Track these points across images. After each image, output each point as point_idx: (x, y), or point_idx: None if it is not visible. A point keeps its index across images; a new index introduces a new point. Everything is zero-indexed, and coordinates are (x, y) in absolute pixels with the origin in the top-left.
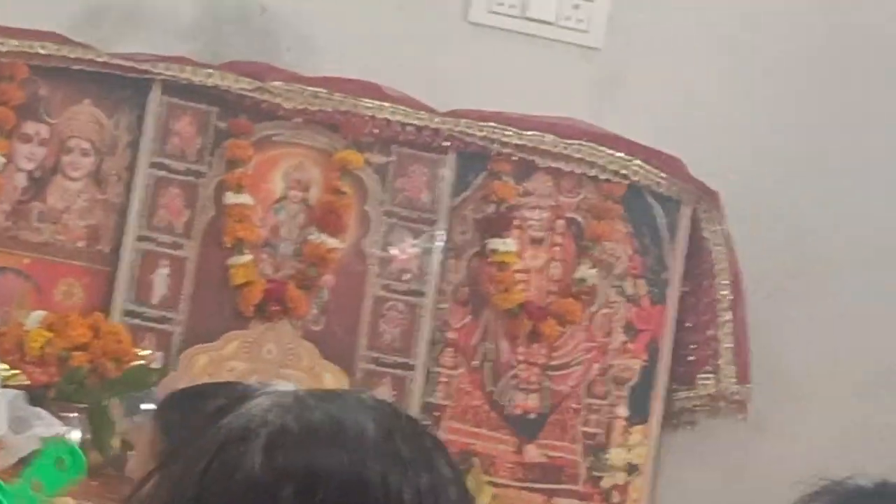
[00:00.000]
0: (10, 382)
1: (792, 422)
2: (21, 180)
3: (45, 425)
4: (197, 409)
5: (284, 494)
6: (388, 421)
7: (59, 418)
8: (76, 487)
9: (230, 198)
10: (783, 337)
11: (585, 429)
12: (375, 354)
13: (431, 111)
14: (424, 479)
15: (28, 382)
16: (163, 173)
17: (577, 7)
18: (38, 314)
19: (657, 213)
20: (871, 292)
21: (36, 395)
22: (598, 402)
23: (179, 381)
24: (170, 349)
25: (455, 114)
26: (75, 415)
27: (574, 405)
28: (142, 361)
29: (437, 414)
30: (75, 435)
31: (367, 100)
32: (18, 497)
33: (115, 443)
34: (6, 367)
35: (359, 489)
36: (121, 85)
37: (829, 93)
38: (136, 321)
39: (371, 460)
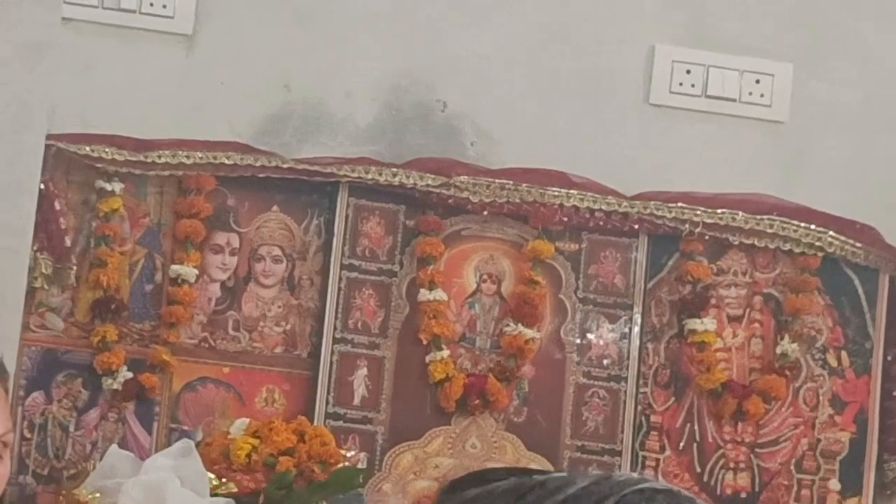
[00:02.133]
0: (220, 491)
1: None
2: (215, 291)
3: None
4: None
5: None
6: None
7: None
8: None
9: (424, 295)
10: None
11: None
12: (580, 442)
13: (619, 195)
14: None
15: (236, 490)
16: (355, 275)
17: (758, 82)
18: (243, 422)
19: (855, 283)
20: None
21: (245, 503)
22: (808, 477)
23: (386, 480)
24: (374, 449)
25: (643, 196)
26: None
27: (785, 482)
28: (347, 463)
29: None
30: None
31: (553, 188)
32: None
33: None
34: (214, 476)
35: None
36: (307, 190)
37: None
38: (339, 423)
39: None
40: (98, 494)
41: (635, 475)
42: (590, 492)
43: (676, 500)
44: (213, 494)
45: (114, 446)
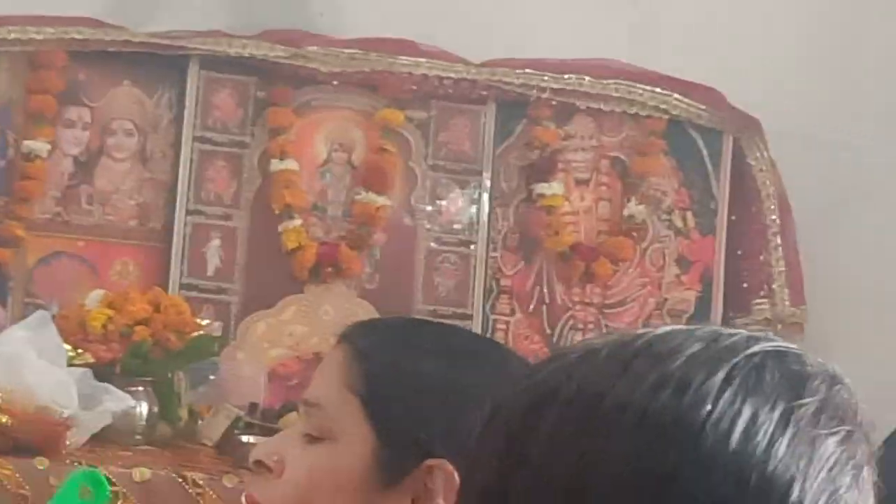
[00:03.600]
0: (76, 362)
1: (851, 339)
2: (68, 165)
3: (114, 400)
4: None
5: None
6: None
7: (127, 392)
8: (152, 456)
9: (275, 165)
10: (835, 257)
11: None
12: (432, 307)
13: (467, 63)
14: None
15: (93, 360)
16: (207, 147)
17: None
18: (98, 293)
19: (700, 144)
20: None
21: (102, 372)
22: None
23: (240, 349)
24: (228, 318)
25: (491, 63)
26: (142, 388)
27: None
28: (202, 332)
29: None
30: (144, 407)
31: (403, 57)
32: None
33: (183, 413)
34: (70, 347)
35: None
36: (158, 63)
37: (866, 14)
38: (193, 293)
39: None
40: None
41: (743, 334)
42: (700, 361)
43: (784, 361)
44: (70, 365)
45: None
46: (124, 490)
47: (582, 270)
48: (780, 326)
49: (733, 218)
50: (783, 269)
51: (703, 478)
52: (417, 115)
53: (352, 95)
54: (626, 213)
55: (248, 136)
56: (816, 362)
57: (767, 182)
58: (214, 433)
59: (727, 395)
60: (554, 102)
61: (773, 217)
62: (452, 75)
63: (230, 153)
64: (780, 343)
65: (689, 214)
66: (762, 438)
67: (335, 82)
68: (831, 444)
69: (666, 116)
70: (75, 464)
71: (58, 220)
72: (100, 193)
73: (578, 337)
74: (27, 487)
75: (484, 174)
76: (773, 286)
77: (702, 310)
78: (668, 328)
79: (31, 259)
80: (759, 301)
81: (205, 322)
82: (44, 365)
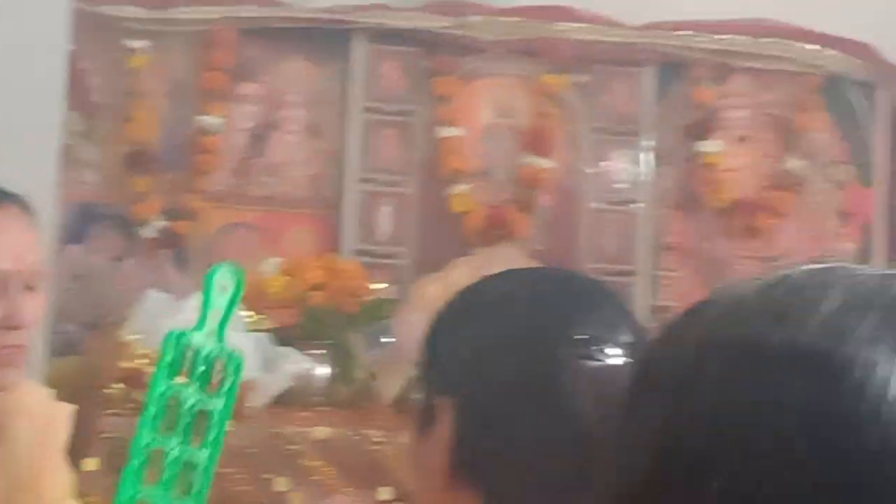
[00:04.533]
0: (256, 327)
1: None
2: (242, 139)
3: (293, 362)
4: None
5: None
6: None
7: (306, 356)
8: (331, 415)
9: (442, 132)
10: None
11: None
12: (599, 265)
13: (625, 27)
14: None
15: (272, 326)
16: (376, 116)
17: None
18: (275, 261)
19: (856, 99)
20: None
21: (282, 337)
22: None
23: (413, 311)
24: (401, 282)
25: (648, 26)
26: (321, 352)
27: None
28: (376, 295)
29: (666, 315)
30: (323, 370)
31: (562, 23)
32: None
33: (360, 375)
34: (251, 314)
35: None
36: (326, 38)
37: None
38: (366, 259)
39: None
40: (140, 336)
41: (878, 272)
42: (850, 307)
43: None
44: (250, 330)
45: (152, 290)
46: (304, 448)
47: (744, 225)
48: None
49: (893, 169)
50: None
51: (879, 426)
52: (578, 79)
53: (514, 62)
54: (785, 168)
55: (415, 105)
56: None
57: None
58: (391, 392)
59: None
60: (712, 63)
61: None
62: (611, 39)
63: (398, 122)
64: None
65: (848, 167)
66: None
67: (498, 50)
68: None
69: (822, 73)
70: (256, 424)
71: (234, 192)
72: (273, 165)
73: None
74: None
75: (645, 135)
76: None
77: (862, 261)
78: (803, 268)
79: (209, 230)
80: None
81: (378, 286)
82: None
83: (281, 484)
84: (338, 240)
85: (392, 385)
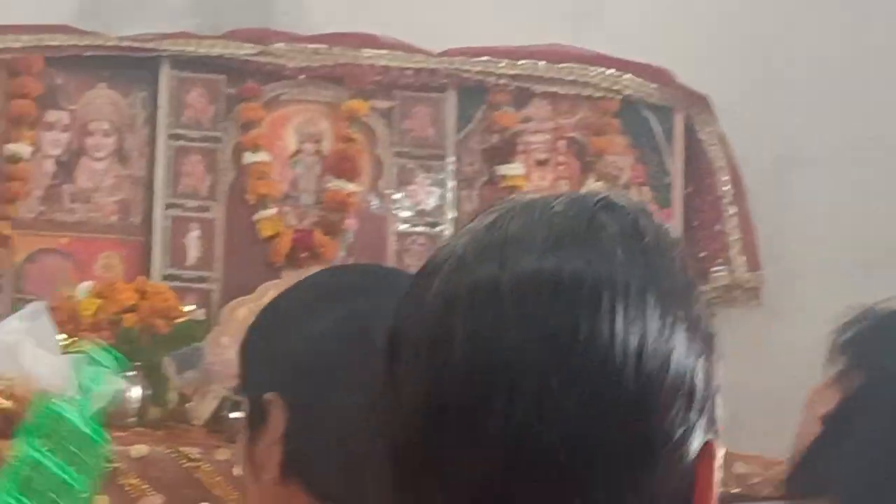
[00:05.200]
0: (70, 350)
1: (804, 303)
2: (50, 166)
3: (108, 382)
4: None
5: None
6: None
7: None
8: (146, 437)
9: (248, 157)
10: (787, 223)
11: None
12: None
13: (427, 53)
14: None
15: (86, 348)
16: (181, 143)
17: None
18: (87, 284)
19: (652, 122)
20: (869, 176)
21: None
22: None
23: (224, 333)
24: (210, 306)
25: (449, 53)
26: (133, 373)
27: None
28: (187, 318)
29: None
30: (136, 391)
31: (365, 50)
32: (74, 404)
33: (172, 396)
34: (64, 336)
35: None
36: (131, 65)
37: None
38: (175, 283)
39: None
40: None
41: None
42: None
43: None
44: (64, 353)
45: None
46: (123, 466)
47: None
48: (738, 292)
49: (688, 191)
50: (738, 236)
51: None
52: (381, 104)
53: (318, 88)
54: (584, 190)
55: (221, 131)
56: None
57: (719, 155)
58: (204, 413)
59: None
60: (511, 87)
61: (727, 188)
62: (413, 65)
63: (204, 148)
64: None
65: (645, 189)
66: None
67: (301, 76)
68: None
69: (619, 97)
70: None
71: (42, 219)
72: (81, 192)
73: None
74: None
75: (447, 159)
76: (730, 254)
77: None
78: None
79: (18, 257)
80: (716, 269)
81: (189, 308)
82: (40, 352)
83: (100, 502)
84: (147, 264)
85: (205, 406)
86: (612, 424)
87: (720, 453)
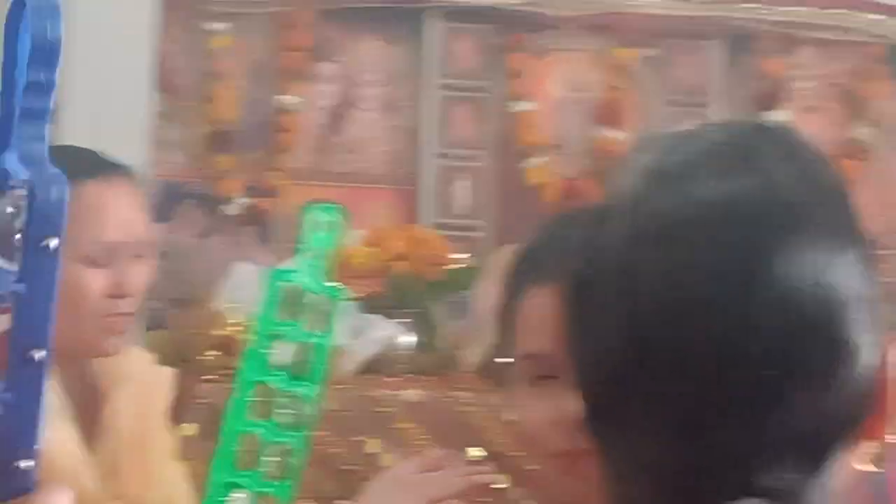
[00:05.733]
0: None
1: None
2: (320, 118)
3: (380, 329)
4: None
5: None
6: None
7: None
8: (418, 382)
9: (516, 106)
10: None
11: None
12: None
13: (693, 1)
14: None
15: (357, 295)
16: (450, 93)
17: None
18: (358, 233)
19: None
20: None
21: (366, 306)
22: (890, 252)
23: (493, 282)
24: (478, 253)
25: (716, 0)
26: (405, 320)
27: None
28: (458, 265)
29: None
30: (408, 338)
31: None
32: (303, 268)
33: (443, 343)
34: (336, 284)
35: None
36: (400, 17)
37: None
38: (445, 232)
39: None
40: (231, 305)
41: None
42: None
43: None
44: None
45: (239, 263)
46: (396, 410)
47: None
48: None
49: None
50: None
51: None
52: (648, 52)
53: (585, 37)
54: (852, 136)
55: (489, 81)
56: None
57: None
58: (474, 359)
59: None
60: (778, 34)
61: None
62: (680, 13)
63: (472, 98)
64: None
65: None
66: None
67: (569, 26)
68: None
69: (886, 42)
70: (346, 389)
71: (314, 169)
72: (351, 142)
73: None
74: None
75: (714, 106)
76: None
77: None
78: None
79: (291, 206)
80: None
81: (458, 256)
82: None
83: (372, 445)
84: (416, 214)
85: (474, 352)
86: (804, 337)
87: (892, 350)
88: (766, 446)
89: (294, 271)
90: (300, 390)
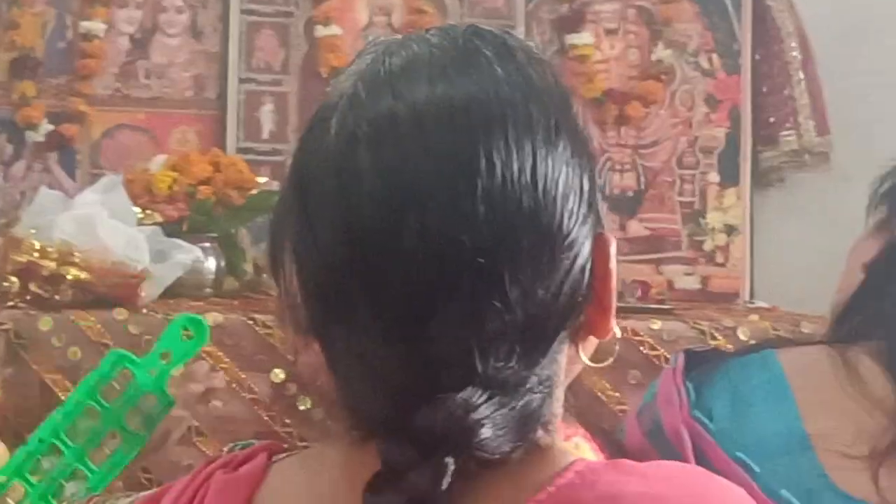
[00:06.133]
0: (145, 222)
1: (875, 168)
2: (124, 43)
3: (184, 252)
4: None
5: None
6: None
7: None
8: (221, 305)
9: (320, 31)
10: (855, 88)
11: (681, 198)
12: None
13: None
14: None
15: (161, 220)
16: (254, 18)
17: None
18: (161, 157)
19: None
20: None
21: (170, 231)
22: (689, 172)
23: None
24: (283, 178)
25: None
26: (208, 245)
27: (668, 178)
28: (262, 189)
29: None
30: (212, 262)
31: None
32: (148, 366)
33: (248, 268)
34: (139, 209)
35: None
36: None
37: None
38: (250, 156)
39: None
40: (34, 230)
41: None
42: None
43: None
44: (139, 225)
45: (43, 188)
46: None
47: (615, 114)
48: (807, 156)
49: (757, 57)
50: (807, 101)
51: None
52: None
53: None
54: (654, 57)
55: (293, 5)
56: None
57: (787, 21)
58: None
59: None
60: None
61: (795, 54)
62: None
63: (276, 23)
64: None
65: (714, 56)
66: None
67: None
68: None
69: None
70: (150, 314)
71: (118, 95)
72: (156, 67)
73: (616, 178)
74: (108, 337)
75: (518, 28)
76: (799, 118)
77: (731, 145)
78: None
79: (95, 132)
80: (785, 133)
81: (263, 180)
82: (115, 224)
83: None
84: (222, 139)
85: None
86: (518, 227)
87: (612, 245)
88: (485, 337)
89: (138, 364)
90: (82, 470)
